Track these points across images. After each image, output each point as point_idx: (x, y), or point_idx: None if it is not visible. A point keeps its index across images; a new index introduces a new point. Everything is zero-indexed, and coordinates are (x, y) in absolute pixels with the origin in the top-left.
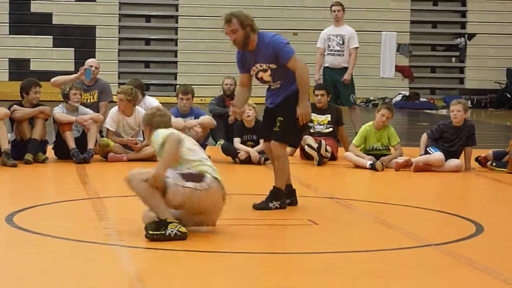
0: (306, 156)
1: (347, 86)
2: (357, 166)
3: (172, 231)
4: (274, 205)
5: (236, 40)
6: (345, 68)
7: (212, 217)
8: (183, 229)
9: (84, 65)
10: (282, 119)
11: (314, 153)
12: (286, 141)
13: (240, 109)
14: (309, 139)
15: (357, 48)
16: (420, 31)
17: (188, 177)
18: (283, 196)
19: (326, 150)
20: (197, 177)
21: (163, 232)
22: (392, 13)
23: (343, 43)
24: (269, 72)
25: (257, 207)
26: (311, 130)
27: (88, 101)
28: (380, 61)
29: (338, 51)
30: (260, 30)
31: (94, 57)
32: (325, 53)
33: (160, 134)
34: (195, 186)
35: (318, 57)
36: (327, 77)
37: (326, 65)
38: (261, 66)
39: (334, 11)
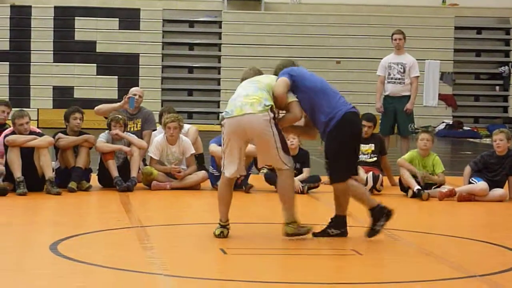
0: None
1: (407, 115)
2: (401, 187)
3: None
4: (332, 231)
5: None
6: (405, 97)
7: None
8: None
9: (127, 93)
10: (326, 160)
11: (369, 185)
12: (332, 180)
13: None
14: (360, 170)
15: (418, 76)
16: (463, 59)
17: None
18: (344, 225)
19: (381, 185)
20: None
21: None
22: (436, 41)
23: (404, 71)
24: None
25: (316, 234)
26: None
27: (132, 129)
28: (424, 89)
29: (399, 79)
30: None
31: (138, 85)
32: (386, 81)
33: None
34: None
35: (378, 85)
36: (387, 105)
37: (387, 93)
38: None
39: (396, 39)
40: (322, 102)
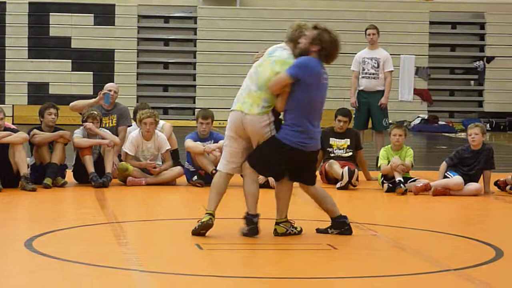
0: (327, 179)
1: (382, 110)
2: (384, 178)
3: None
4: (332, 231)
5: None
6: (380, 92)
7: None
8: None
9: (103, 89)
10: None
11: (345, 180)
12: (303, 183)
13: None
14: (335, 165)
15: (392, 71)
16: (438, 54)
17: None
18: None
19: (357, 180)
20: None
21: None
22: (411, 36)
23: (378, 66)
24: None
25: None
26: (331, 155)
27: (107, 125)
28: (399, 84)
29: (373, 74)
30: None
31: (113, 81)
32: (360, 76)
33: None
34: None
35: (353, 80)
36: (361, 100)
37: (361, 88)
38: None
39: (369, 34)
40: (301, 114)
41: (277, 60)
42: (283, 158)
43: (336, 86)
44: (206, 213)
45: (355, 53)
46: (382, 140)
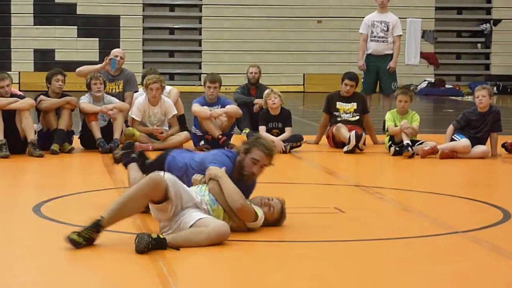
0: (334, 143)
1: (390, 74)
2: (392, 142)
3: None
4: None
5: (254, 175)
6: (388, 55)
7: None
8: None
9: (109, 55)
10: None
11: (352, 143)
12: None
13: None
14: (342, 129)
15: (401, 35)
16: (445, 17)
17: None
18: None
19: (364, 143)
20: None
21: None
22: None
23: (388, 29)
24: None
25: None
26: (338, 119)
27: (114, 91)
28: (405, 48)
29: (382, 37)
30: None
31: (119, 47)
32: (368, 39)
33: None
34: None
35: (361, 43)
36: (369, 64)
37: (369, 51)
38: None
39: None
40: None
41: None
42: None
43: (343, 51)
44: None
45: (362, 17)
46: (390, 104)
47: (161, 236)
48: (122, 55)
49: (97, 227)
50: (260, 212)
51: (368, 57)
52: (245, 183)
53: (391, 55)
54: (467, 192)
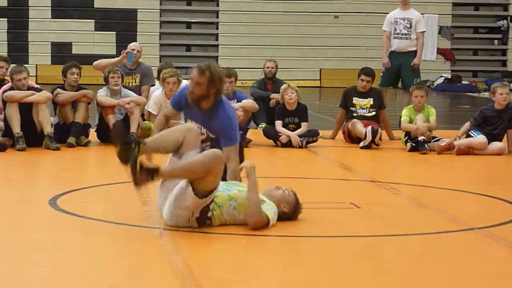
0: (350, 139)
1: (414, 70)
2: (408, 137)
3: None
4: None
5: (193, 93)
6: (411, 52)
7: None
8: None
9: (126, 48)
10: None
11: (368, 139)
12: None
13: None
14: (358, 124)
15: (424, 32)
16: (462, 13)
17: None
18: None
19: (380, 139)
20: None
21: None
22: None
23: (411, 26)
24: (205, 136)
25: None
26: (354, 114)
27: (130, 84)
28: None
29: (405, 34)
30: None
31: (136, 41)
32: (392, 37)
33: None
34: None
35: (384, 40)
36: (393, 60)
37: (393, 48)
38: (201, 129)
39: None
40: None
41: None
42: None
43: (361, 46)
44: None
45: (380, 13)
46: (409, 100)
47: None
48: (139, 48)
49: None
50: (272, 211)
51: (392, 54)
52: (192, 104)
53: (414, 51)
54: (484, 189)
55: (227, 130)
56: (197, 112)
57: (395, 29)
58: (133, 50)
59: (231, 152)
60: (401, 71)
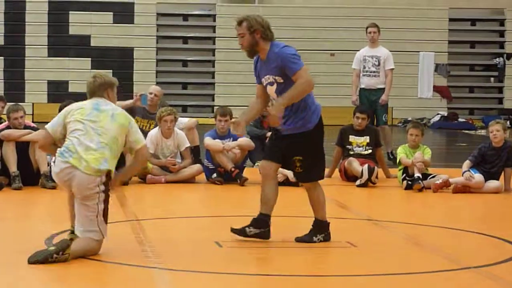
0: (347, 177)
1: (382, 106)
2: (406, 175)
3: None
4: (318, 238)
5: (242, 45)
6: (381, 89)
7: None
8: None
9: (138, 91)
10: (302, 158)
11: (364, 177)
12: (311, 180)
13: (241, 123)
14: (355, 162)
15: (392, 69)
16: (458, 51)
17: None
18: (327, 228)
19: (376, 177)
20: None
21: None
22: (430, 33)
23: (379, 64)
24: (275, 86)
25: (300, 239)
26: (350, 152)
27: (145, 128)
28: (418, 81)
29: (374, 72)
30: (276, 40)
31: (132, 79)
32: (361, 74)
33: None
34: None
35: (354, 78)
36: (363, 98)
37: (362, 86)
38: (268, 79)
39: (370, 33)
40: (308, 96)
41: (117, 113)
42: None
43: (338, 83)
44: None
45: (359, 50)
46: (388, 134)
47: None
48: (156, 92)
49: None
50: None
51: (362, 92)
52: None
53: (384, 89)
54: (480, 227)
55: (285, 60)
56: (262, 66)
57: (364, 67)
58: (151, 93)
59: (302, 74)
60: (373, 108)
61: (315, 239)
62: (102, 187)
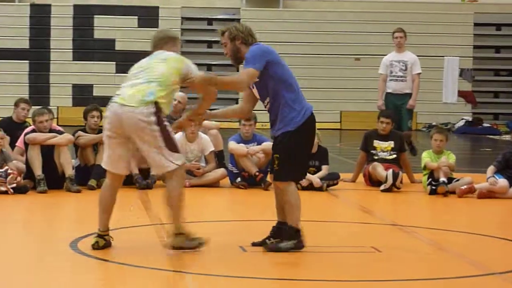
0: (371, 182)
1: (408, 111)
2: (431, 178)
3: None
4: (286, 245)
5: (227, 54)
6: (408, 94)
7: None
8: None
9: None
10: (279, 156)
11: (389, 182)
12: (286, 179)
13: (201, 115)
14: (379, 167)
15: (420, 73)
16: (483, 56)
17: None
18: (298, 235)
19: (401, 182)
20: None
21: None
22: (455, 38)
23: (406, 68)
24: (255, 87)
25: (268, 248)
26: (375, 157)
27: None
28: (443, 86)
29: (401, 76)
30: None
31: None
32: (388, 79)
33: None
34: None
35: (380, 83)
36: (389, 103)
37: (389, 91)
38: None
39: (397, 38)
40: (291, 96)
41: (170, 57)
42: (313, 137)
43: (363, 88)
44: (96, 235)
45: (384, 55)
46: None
47: None
48: (181, 99)
49: None
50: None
51: (388, 97)
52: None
53: (411, 93)
54: (505, 233)
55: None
56: None
57: (391, 72)
58: (174, 100)
59: (242, 72)
60: (399, 113)
61: (282, 245)
62: (153, 118)
